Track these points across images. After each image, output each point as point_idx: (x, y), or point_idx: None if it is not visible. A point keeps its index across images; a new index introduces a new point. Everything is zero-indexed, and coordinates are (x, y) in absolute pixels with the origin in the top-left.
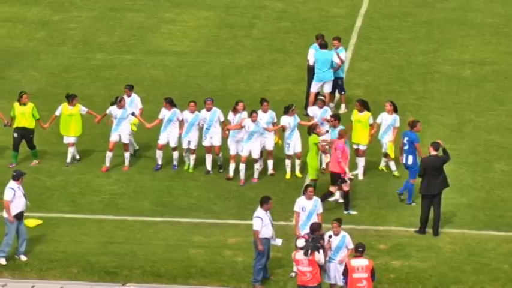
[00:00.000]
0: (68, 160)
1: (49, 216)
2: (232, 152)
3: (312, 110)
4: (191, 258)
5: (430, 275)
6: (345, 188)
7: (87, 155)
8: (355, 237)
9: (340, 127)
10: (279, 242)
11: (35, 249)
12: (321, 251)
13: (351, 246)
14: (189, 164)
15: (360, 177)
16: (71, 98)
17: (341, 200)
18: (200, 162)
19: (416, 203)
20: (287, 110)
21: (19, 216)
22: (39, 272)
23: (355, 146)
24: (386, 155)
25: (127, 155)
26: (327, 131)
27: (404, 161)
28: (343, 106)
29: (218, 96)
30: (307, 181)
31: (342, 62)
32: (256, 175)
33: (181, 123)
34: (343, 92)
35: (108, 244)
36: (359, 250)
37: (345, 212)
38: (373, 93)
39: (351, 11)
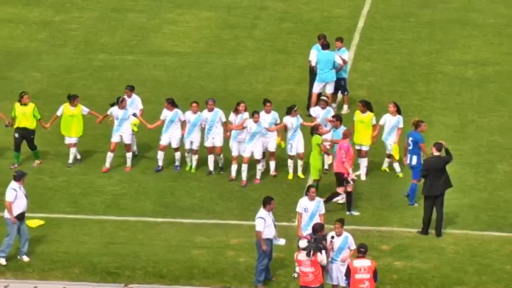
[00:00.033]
0: (70, 161)
1: (51, 216)
2: (234, 153)
3: (315, 111)
4: (193, 259)
5: (433, 275)
6: (348, 188)
7: (89, 156)
8: (358, 238)
9: (342, 127)
10: (282, 241)
11: (37, 250)
12: (323, 251)
13: (354, 246)
14: (191, 165)
15: (363, 178)
16: (72, 99)
17: (341, 201)
18: (202, 162)
19: (419, 203)
20: (290, 111)
21: (20, 217)
22: (41, 273)
23: (357, 147)
24: (390, 156)
25: (129, 155)
26: (329, 131)
27: (408, 162)
28: (345, 107)
29: (220, 97)
30: (310, 182)
31: (345, 62)
32: (258, 176)
33: (183, 123)
34: (346, 93)
35: (110, 245)
36: (361, 251)
37: (348, 213)
38: (376, 93)
39: (353, 12)
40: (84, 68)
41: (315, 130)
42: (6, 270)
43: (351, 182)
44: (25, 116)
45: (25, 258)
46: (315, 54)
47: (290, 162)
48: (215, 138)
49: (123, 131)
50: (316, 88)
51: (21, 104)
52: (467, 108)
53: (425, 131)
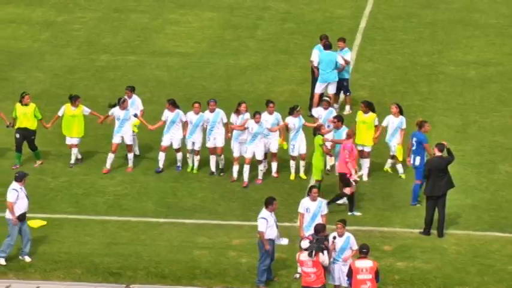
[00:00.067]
0: (72, 161)
1: (53, 217)
2: (236, 154)
3: (317, 111)
4: (195, 260)
5: (435, 276)
6: (351, 189)
7: (90, 156)
8: (360, 238)
9: (344, 128)
10: (285, 241)
11: (39, 250)
12: (325, 252)
13: (355, 247)
14: (192, 166)
15: (365, 178)
16: (74, 99)
17: (340, 201)
18: (204, 163)
19: (421, 204)
20: (292, 111)
21: (22, 218)
22: (43, 273)
23: (360, 148)
24: (393, 157)
25: (130, 156)
26: (330, 130)
27: (412, 162)
28: (347, 107)
29: (222, 97)
30: (312, 182)
31: (347, 63)
32: (260, 176)
33: (185, 124)
34: (348, 93)
35: (112, 245)
36: (363, 251)
37: (350, 213)
38: (378, 94)
39: (355, 12)
40: (86, 68)
41: (317, 131)
42: (8, 270)
43: (353, 184)
44: (26, 116)
45: (27, 259)
46: (317, 54)
47: (292, 162)
48: (216, 139)
49: (124, 132)
50: (318, 88)
51: (22, 105)
52: (469, 108)
53: (428, 131)
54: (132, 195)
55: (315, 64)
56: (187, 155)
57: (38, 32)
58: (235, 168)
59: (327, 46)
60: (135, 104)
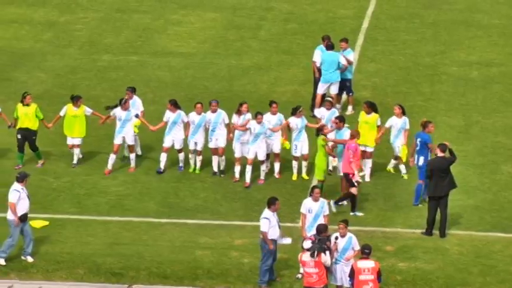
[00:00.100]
0: (74, 161)
1: (55, 217)
2: (237, 154)
3: (320, 112)
4: (197, 260)
5: (437, 276)
6: (353, 190)
7: (93, 157)
8: (362, 238)
9: (345, 129)
10: (288, 240)
11: (41, 251)
12: (327, 252)
13: (358, 247)
14: (194, 167)
15: (367, 179)
16: (75, 100)
17: (340, 203)
18: (206, 163)
19: (423, 204)
20: (295, 111)
21: (23, 218)
22: (45, 273)
23: (362, 148)
24: (396, 158)
25: (132, 156)
26: (332, 130)
27: (415, 162)
28: (350, 108)
29: (225, 98)
30: (314, 183)
31: (350, 63)
32: (262, 176)
33: (187, 125)
34: (351, 94)
35: (114, 245)
36: (365, 252)
37: (352, 214)
38: (380, 94)
39: (358, 12)
40: (88, 68)
41: (320, 131)
42: (10, 270)
43: (356, 184)
44: (27, 116)
45: (29, 259)
46: (319, 55)
47: (294, 163)
48: (218, 140)
49: (126, 133)
50: (321, 89)
51: (23, 105)
52: (471, 109)
53: (432, 131)
54: (134, 196)
55: (318, 64)
56: (190, 156)
57: (40, 32)
58: (237, 168)
59: (330, 46)
60: (136, 105)
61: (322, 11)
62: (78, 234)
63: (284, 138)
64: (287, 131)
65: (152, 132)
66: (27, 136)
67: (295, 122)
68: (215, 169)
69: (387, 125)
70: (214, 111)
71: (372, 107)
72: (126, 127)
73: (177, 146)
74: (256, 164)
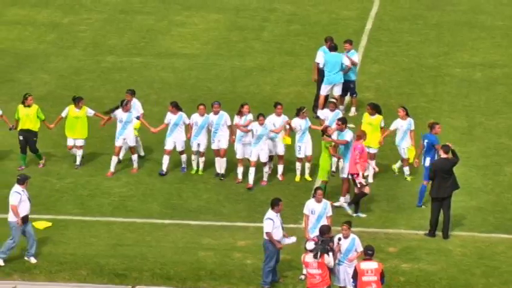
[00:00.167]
0: (78, 163)
1: (58, 218)
2: (239, 155)
3: (324, 113)
4: (200, 261)
5: (440, 278)
6: (356, 190)
7: (96, 158)
8: (365, 240)
9: (347, 130)
10: (292, 239)
11: (44, 252)
12: (330, 253)
13: (360, 249)
14: (197, 168)
15: (370, 180)
16: (77, 101)
17: (337, 204)
18: (209, 165)
19: (426, 206)
20: (298, 112)
21: (24, 220)
22: (48, 274)
23: (365, 149)
24: (402, 160)
25: (134, 157)
26: (335, 130)
27: (422, 163)
28: (353, 109)
29: (228, 99)
30: (317, 184)
31: (355, 64)
32: (265, 178)
33: (188, 126)
34: (354, 95)
35: (117, 246)
36: (368, 253)
37: (355, 215)
38: (384, 96)
39: (361, 14)
40: (92, 69)
41: (324, 132)
42: (14, 271)
43: (358, 185)
44: (29, 117)
45: (32, 260)
46: (322, 56)
47: (298, 164)
48: (221, 141)
49: (127, 134)
50: (324, 90)
51: (24, 106)
52: (475, 110)
53: (439, 133)
54: (137, 197)
55: (321, 66)
56: (192, 157)
57: (44, 34)
58: (240, 169)
59: (333, 48)
60: (135, 107)
61: (325, 12)
62: (81, 235)
63: (286, 134)
64: (288, 128)
65: (153, 134)
66: (28, 137)
67: (299, 123)
68: (218, 171)
69: (392, 127)
70: (216, 113)
71: (375, 109)
72: (127, 129)
73: (179, 148)
74: (259, 166)
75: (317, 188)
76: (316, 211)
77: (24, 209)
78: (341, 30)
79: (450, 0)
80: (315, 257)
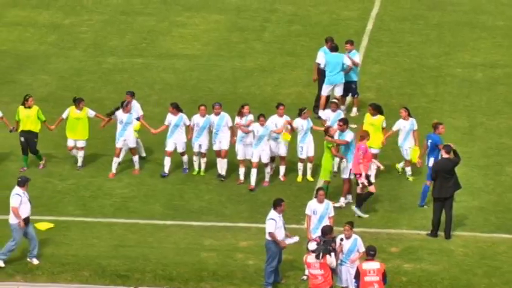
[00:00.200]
0: (79, 164)
1: (60, 219)
2: (240, 156)
3: (325, 114)
4: (203, 262)
5: (442, 278)
6: (358, 190)
7: (98, 159)
8: (367, 240)
9: (348, 131)
10: (295, 239)
11: (46, 253)
12: (332, 254)
13: (363, 249)
14: (198, 169)
15: (372, 180)
16: (77, 102)
17: (337, 204)
18: (211, 165)
19: (428, 206)
20: (300, 113)
21: (25, 222)
22: (50, 276)
23: None
24: (405, 161)
25: (135, 158)
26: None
27: (426, 163)
28: (354, 109)
29: (229, 100)
30: (319, 184)
31: (356, 64)
32: (267, 178)
33: (189, 127)
34: (356, 95)
35: (119, 247)
36: (370, 253)
37: (356, 215)
38: (385, 96)
39: (362, 14)
40: (93, 70)
41: (326, 132)
42: (16, 272)
43: (360, 185)
44: (29, 118)
45: (35, 261)
46: (322, 56)
47: (300, 165)
48: (222, 142)
49: (128, 135)
50: (325, 91)
51: (25, 107)
52: (476, 110)
53: (443, 133)
54: (139, 198)
55: (322, 66)
56: (194, 158)
57: (45, 35)
58: (242, 170)
59: (334, 48)
60: (135, 109)
61: (326, 13)
62: (83, 236)
63: (288, 132)
64: (289, 129)
65: (154, 135)
66: (28, 138)
67: (301, 123)
68: (220, 171)
69: (395, 128)
70: (217, 114)
71: (377, 109)
72: (128, 130)
73: (180, 149)
74: (260, 167)
75: (319, 189)
76: (318, 211)
77: (25, 211)
78: (342, 31)
79: (451, 1)
80: (317, 257)
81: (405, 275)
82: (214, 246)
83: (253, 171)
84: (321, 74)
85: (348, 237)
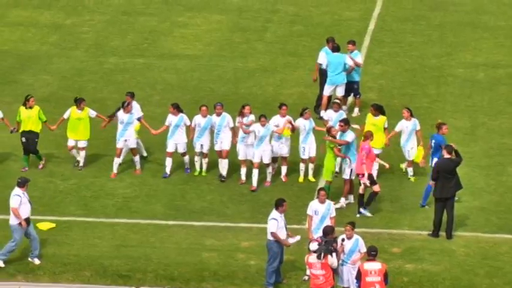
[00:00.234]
0: (81, 164)
1: (62, 219)
2: (241, 156)
3: (328, 114)
4: (204, 262)
5: (444, 278)
6: (360, 191)
7: (100, 159)
8: (368, 240)
9: (349, 131)
10: (297, 238)
11: (48, 253)
12: (334, 254)
13: (364, 249)
14: (200, 170)
15: (375, 179)
16: (78, 102)
17: (337, 205)
18: (213, 166)
19: (429, 206)
20: (302, 113)
21: (26, 222)
22: (52, 276)
23: None
24: (407, 161)
25: (136, 158)
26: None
27: (430, 163)
28: (356, 110)
29: (231, 100)
30: (321, 184)
31: (358, 65)
32: (268, 178)
33: (190, 128)
34: (358, 96)
35: (121, 247)
36: (372, 254)
37: (358, 215)
38: (387, 96)
39: (364, 14)
40: (95, 71)
41: (328, 132)
42: (17, 272)
43: (362, 186)
44: (31, 119)
45: (36, 261)
46: (324, 56)
47: (302, 165)
48: (223, 143)
49: (128, 136)
50: (327, 91)
51: (26, 108)
52: (478, 110)
53: (446, 133)
54: (141, 198)
55: (324, 66)
56: (195, 158)
57: (46, 35)
58: (243, 170)
59: (335, 48)
60: (135, 109)
61: (328, 13)
62: (85, 236)
63: (290, 129)
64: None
65: (154, 135)
66: (30, 138)
67: (303, 123)
68: (221, 172)
69: (397, 129)
70: (219, 114)
71: (379, 110)
72: (129, 130)
73: (181, 150)
74: (262, 167)
75: (320, 189)
76: (320, 212)
77: (25, 211)
78: (344, 31)
79: (453, 1)
80: (319, 257)
81: (406, 276)
82: (216, 247)
83: (255, 172)
84: (323, 74)
85: (349, 238)
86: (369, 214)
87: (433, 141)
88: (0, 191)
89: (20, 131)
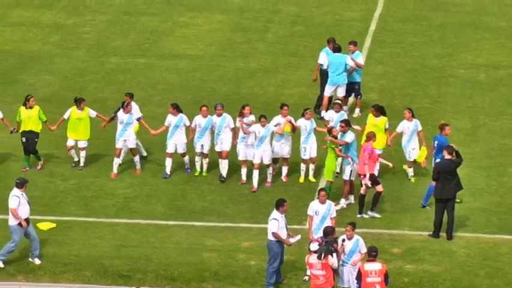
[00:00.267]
0: (81, 164)
1: (62, 219)
2: (241, 157)
3: (329, 114)
4: (204, 262)
5: (444, 279)
6: (362, 191)
7: (100, 159)
8: (369, 241)
9: (349, 132)
10: (297, 237)
11: (48, 253)
12: (334, 254)
13: (364, 250)
14: (200, 170)
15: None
16: (79, 102)
17: (338, 207)
18: (213, 166)
19: (430, 206)
20: (303, 113)
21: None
22: (52, 276)
23: None
24: (408, 162)
25: (136, 159)
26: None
27: (433, 164)
28: (357, 110)
29: (232, 100)
30: (321, 185)
31: (360, 66)
32: (269, 179)
33: (189, 128)
34: (359, 96)
35: (121, 247)
36: (372, 254)
37: (359, 215)
38: (388, 97)
39: (365, 15)
40: (96, 71)
41: (329, 133)
42: (18, 272)
43: (364, 186)
44: (31, 119)
45: (36, 261)
46: (325, 57)
47: (303, 165)
48: (223, 143)
49: (128, 136)
50: (328, 91)
51: (26, 108)
52: (478, 111)
53: (449, 134)
54: (141, 198)
55: (325, 67)
56: (196, 159)
57: (48, 35)
58: (244, 170)
59: (336, 49)
60: (134, 110)
61: (329, 14)
62: (85, 236)
63: (291, 126)
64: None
65: (157, 135)
66: (30, 138)
67: (304, 123)
68: (222, 172)
69: (399, 129)
70: (219, 115)
71: (380, 110)
72: (128, 130)
73: (180, 150)
74: (262, 167)
75: (321, 189)
76: (320, 212)
77: (24, 212)
78: (345, 32)
79: (454, 1)
80: (319, 258)
81: (407, 276)
82: (216, 247)
83: (255, 173)
84: (324, 74)
85: (349, 238)
86: (377, 215)
87: (436, 142)
88: (0, 191)
89: (20, 131)
